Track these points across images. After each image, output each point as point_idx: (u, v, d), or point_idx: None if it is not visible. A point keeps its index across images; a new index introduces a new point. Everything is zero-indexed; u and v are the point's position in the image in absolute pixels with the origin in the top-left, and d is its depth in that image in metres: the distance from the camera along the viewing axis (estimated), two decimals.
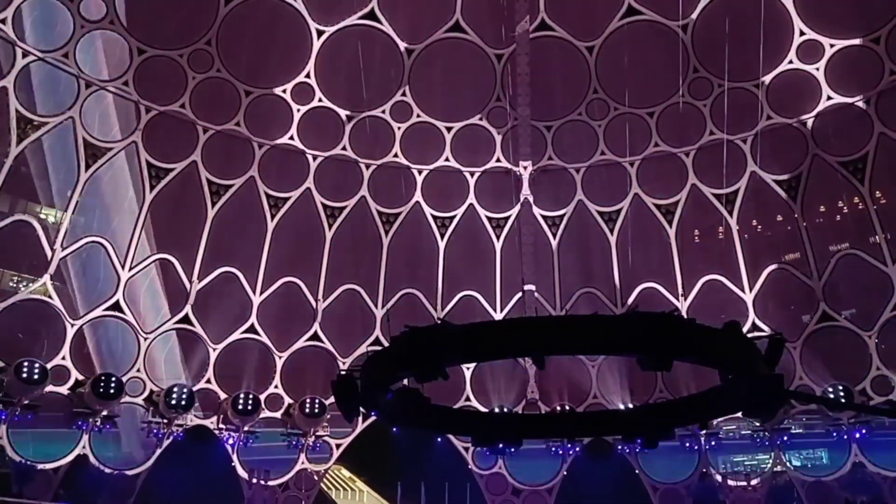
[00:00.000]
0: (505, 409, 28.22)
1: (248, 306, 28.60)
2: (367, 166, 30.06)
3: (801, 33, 26.42)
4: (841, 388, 25.20)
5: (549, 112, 29.68)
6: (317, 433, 28.40)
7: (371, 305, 29.75)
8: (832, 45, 26.12)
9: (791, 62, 26.81)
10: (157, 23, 26.77)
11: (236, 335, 28.30)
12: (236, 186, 28.65)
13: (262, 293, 28.80)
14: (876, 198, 26.19)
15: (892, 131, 25.40)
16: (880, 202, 26.29)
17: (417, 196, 30.43)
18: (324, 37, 28.59)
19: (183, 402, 26.29)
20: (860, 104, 25.89)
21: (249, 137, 28.61)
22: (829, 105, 26.40)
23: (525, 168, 29.71)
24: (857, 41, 25.70)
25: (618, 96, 28.95)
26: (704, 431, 26.40)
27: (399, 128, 29.99)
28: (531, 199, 29.95)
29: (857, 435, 25.35)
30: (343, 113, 29.51)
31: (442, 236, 30.53)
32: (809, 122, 26.85)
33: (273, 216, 29.12)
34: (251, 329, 28.55)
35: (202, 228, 28.09)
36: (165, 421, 26.51)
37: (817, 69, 26.43)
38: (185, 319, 27.67)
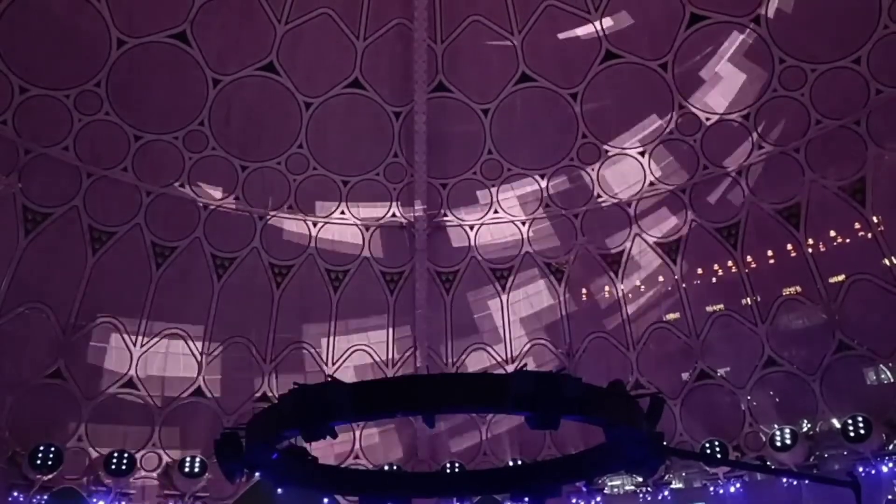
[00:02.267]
0: (394, 467, 27.85)
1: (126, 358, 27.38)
2: (261, 217, 29.61)
3: (680, 106, 28.18)
4: (717, 443, 26.41)
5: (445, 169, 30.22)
6: (196, 494, 27.07)
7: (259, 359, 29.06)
8: (707, 119, 27.99)
9: (671, 133, 28.50)
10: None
11: (113, 389, 26.97)
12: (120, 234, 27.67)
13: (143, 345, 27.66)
14: (747, 262, 27.95)
15: (761, 201, 27.46)
16: (751, 266, 28.03)
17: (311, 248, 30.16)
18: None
19: (50, 463, 24.60)
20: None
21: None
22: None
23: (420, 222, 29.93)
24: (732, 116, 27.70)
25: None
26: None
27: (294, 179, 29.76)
28: (425, 254, 30.19)
29: (732, 489, 26.50)
30: (237, 162, 29.10)
31: (335, 289, 30.22)
32: (687, 190, 28.61)
33: (159, 265, 28.18)
34: (130, 383, 27.28)
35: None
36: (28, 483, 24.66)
37: (695, 140, 28.19)
38: (57, 374, 26.17)
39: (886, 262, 25.09)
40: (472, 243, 30.72)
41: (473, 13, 28.65)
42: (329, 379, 11.45)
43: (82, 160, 26.63)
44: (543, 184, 30.06)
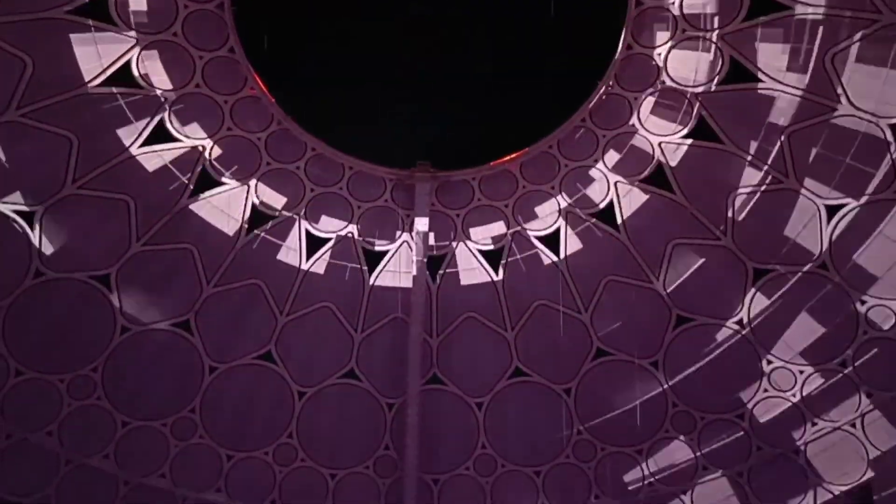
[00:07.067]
0: None
1: None
2: None
3: (674, 405, 28.20)
4: None
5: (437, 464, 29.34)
6: None
7: None
8: (702, 418, 27.87)
9: (667, 431, 28.22)
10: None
11: None
12: None
13: None
14: None
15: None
16: None
17: None
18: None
19: None
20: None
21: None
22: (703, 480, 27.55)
23: None
24: None
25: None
26: None
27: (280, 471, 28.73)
28: None
29: None
30: (224, 452, 28.27)
31: None
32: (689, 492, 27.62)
33: None
34: None
35: None
36: None
37: (691, 439, 27.81)
38: None
39: None
40: None
41: (468, 310, 29.86)
42: None
43: (64, 446, 25.88)
44: (539, 482, 29.02)
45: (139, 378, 27.60)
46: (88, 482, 26.24)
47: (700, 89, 26.39)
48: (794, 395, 26.45)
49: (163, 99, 26.44)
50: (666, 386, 28.17)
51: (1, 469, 24.99)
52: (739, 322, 27.31)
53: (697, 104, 26.53)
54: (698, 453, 27.63)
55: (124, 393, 27.18)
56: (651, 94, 27.22)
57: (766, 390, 26.95)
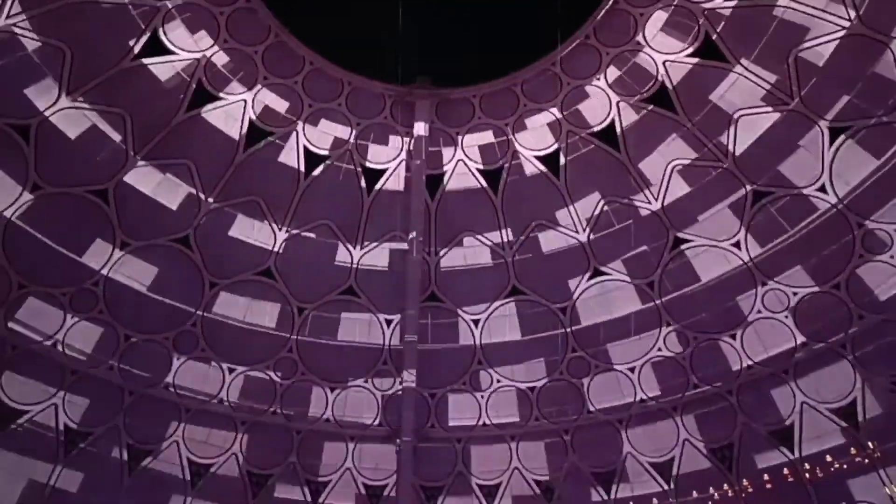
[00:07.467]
0: None
1: None
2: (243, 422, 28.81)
3: (668, 323, 28.61)
4: None
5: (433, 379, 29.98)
6: None
7: None
8: (695, 338, 28.33)
9: (660, 349, 28.71)
10: None
11: None
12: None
13: None
14: (744, 486, 26.97)
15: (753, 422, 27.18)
16: (748, 490, 27.00)
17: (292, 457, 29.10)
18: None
19: None
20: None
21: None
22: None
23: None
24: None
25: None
26: None
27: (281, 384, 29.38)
28: (411, 467, 29.08)
29: None
30: (225, 365, 28.83)
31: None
32: (678, 408, 28.28)
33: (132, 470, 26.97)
34: None
35: None
36: None
37: (684, 358, 28.34)
38: None
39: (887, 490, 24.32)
40: (459, 457, 29.76)
41: (467, 228, 29.95)
42: None
43: (69, 358, 26.34)
44: (533, 397, 29.73)
45: (141, 293, 27.81)
46: (94, 392, 26.81)
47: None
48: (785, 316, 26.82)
49: (157, 7, 25.71)
50: (662, 306, 28.60)
51: (8, 379, 25.40)
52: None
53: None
54: (691, 376, 28.15)
55: (126, 307, 27.45)
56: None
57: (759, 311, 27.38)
